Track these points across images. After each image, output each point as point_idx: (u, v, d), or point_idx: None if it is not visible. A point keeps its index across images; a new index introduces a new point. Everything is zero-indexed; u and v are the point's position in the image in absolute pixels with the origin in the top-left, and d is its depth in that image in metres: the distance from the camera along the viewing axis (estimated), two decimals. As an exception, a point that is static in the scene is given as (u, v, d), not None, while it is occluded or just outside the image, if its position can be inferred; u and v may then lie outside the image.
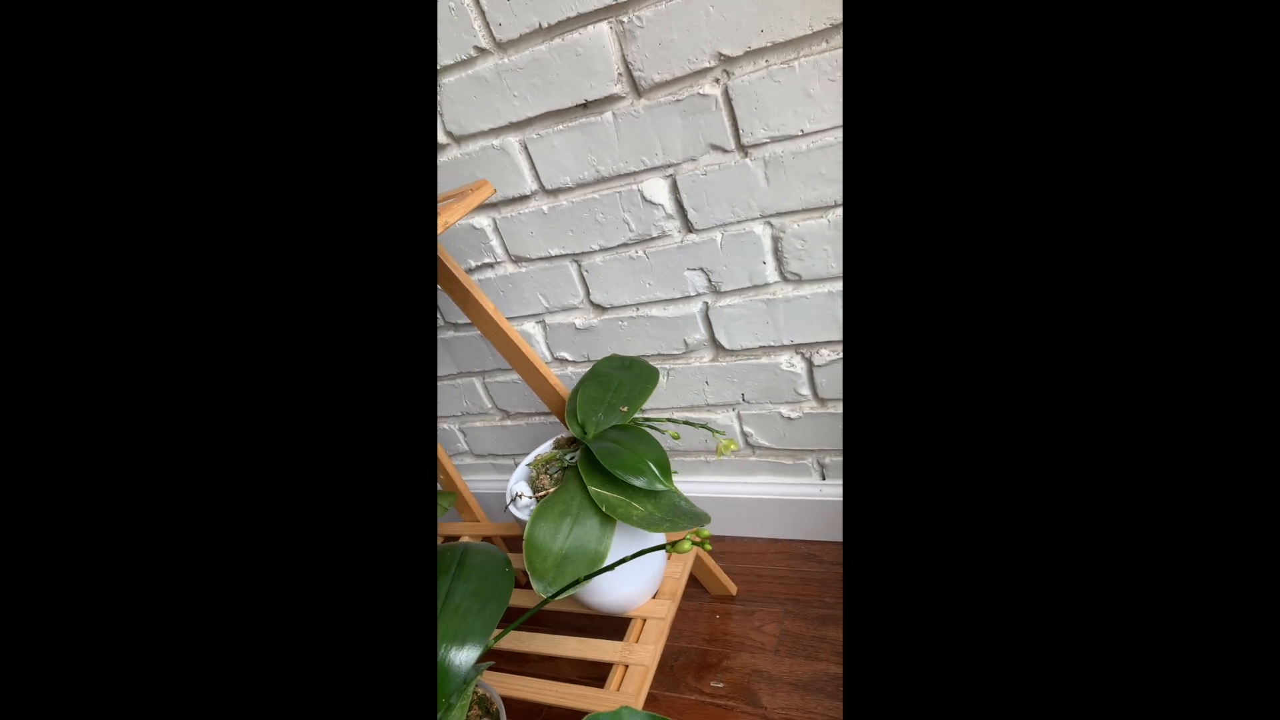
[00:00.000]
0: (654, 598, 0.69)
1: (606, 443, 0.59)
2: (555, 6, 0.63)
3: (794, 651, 0.75)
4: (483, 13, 0.66)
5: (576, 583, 0.50)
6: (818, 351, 0.73)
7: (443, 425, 1.06)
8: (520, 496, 0.63)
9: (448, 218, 0.55)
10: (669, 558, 0.72)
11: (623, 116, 0.67)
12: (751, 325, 0.74)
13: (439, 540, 0.93)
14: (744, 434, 0.84)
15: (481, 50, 0.68)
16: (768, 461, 0.85)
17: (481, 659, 0.53)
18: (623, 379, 0.67)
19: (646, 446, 0.57)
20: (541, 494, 0.63)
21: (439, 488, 0.89)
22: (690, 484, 0.90)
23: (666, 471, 0.56)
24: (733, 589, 0.84)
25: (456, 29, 0.68)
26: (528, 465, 0.68)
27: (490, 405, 1.00)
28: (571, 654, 0.66)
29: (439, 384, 1.01)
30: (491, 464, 1.08)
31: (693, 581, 0.87)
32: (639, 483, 0.55)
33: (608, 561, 0.54)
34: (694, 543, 0.42)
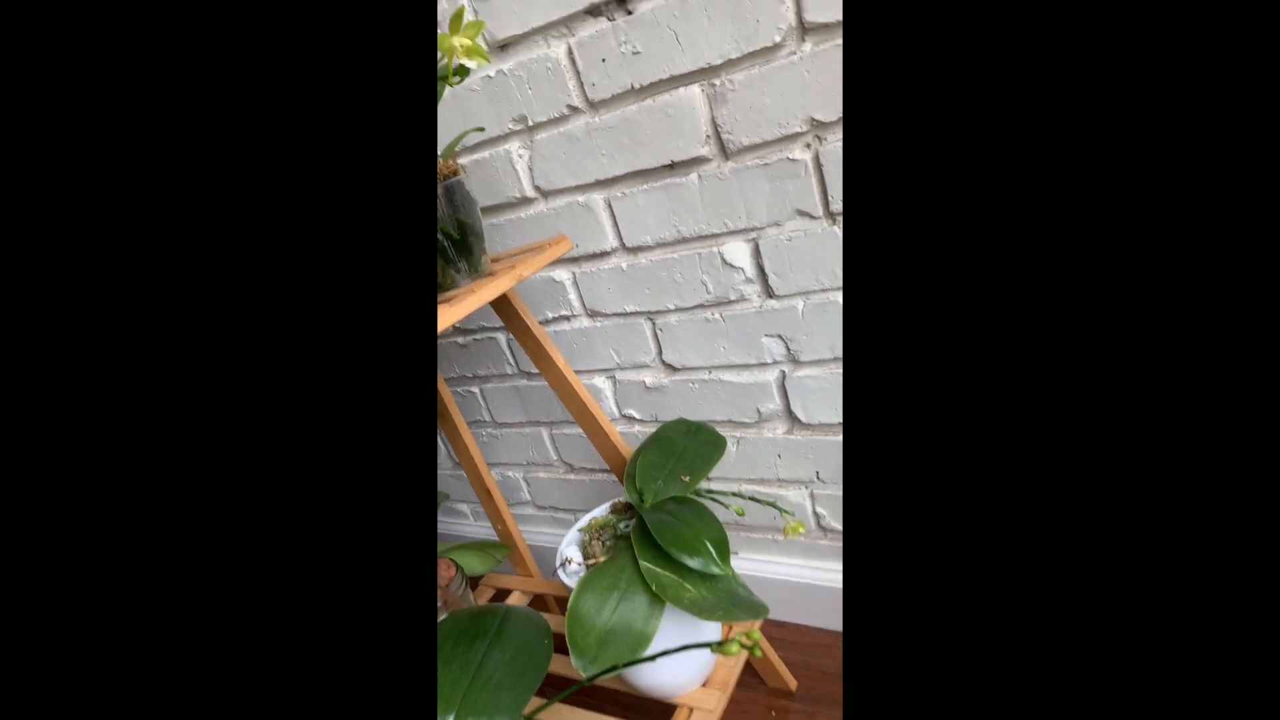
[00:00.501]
0: (704, 686, 0.64)
1: (663, 515, 0.55)
2: (649, 69, 0.63)
3: (856, 768, 0.67)
4: (578, 73, 0.67)
5: (615, 668, 0.46)
6: (902, 434, 0.67)
7: (507, 473, 1.06)
8: (569, 562, 0.61)
9: (523, 270, 0.55)
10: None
11: (708, 178, 0.66)
12: (831, 399, 0.70)
13: (491, 592, 0.91)
14: (815, 514, 0.78)
15: (574, 109, 0.70)
16: (839, 547, 0.79)
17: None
18: (687, 446, 0.64)
19: (705, 524, 0.53)
20: (592, 561, 0.60)
21: (497, 539, 0.87)
22: (752, 563, 0.85)
23: (725, 554, 0.52)
24: (792, 684, 0.77)
25: (552, 87, 0.70)
26: (580, 530, 0.66)
27: (555, 457, 0.99)
28: (609, 738, 0.61)
29: (506, 430, 1.01)
30: (552, 516, 1.06)
31: (748, 670, 0.81)
32: (694, 563, 0.51)
33: (652, 649, 0.50)
34: (743, 645, 0.37)
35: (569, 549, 0.62)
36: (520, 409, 0.97)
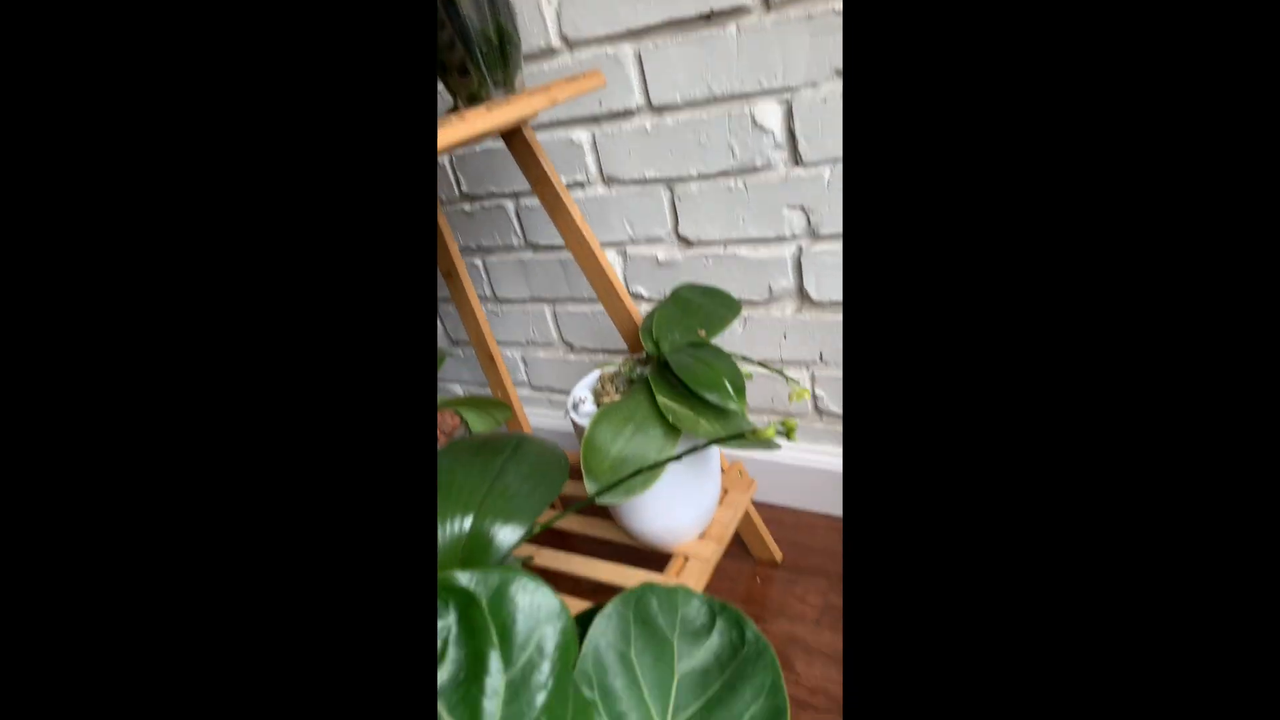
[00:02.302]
0: (700, 538, 0.66)
1: (683, 355, 0.56)
2: (696, -96, 0.60)
3: (837, 625, 0.70)
4: (619, -93, 0.64)
5: (632, 476, 0.47)
6: (913, 312, 0.68)
7: (506, 352, 1.05)
8: (583, 402, 0.61)
9: (557, 94, 0.53)
10: (721, 501, 0.69)
11: (747, 31, 0.64)
12: (845, 276, 0.70)
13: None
14: (815, 396, 0.79)
15: (611, -52, 0.66)
16: (834, 431, 0.81)
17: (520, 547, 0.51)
18: (703, 304, 0.64)
19: (723, 364, 0.54)
20: (607, 399, 0.60)
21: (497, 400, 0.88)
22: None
23: (741, 391, 0.52)
24: (778, 555, 0.80)
25: (589, -76, 0.66)
26: (593, 379, 0.66)
27: (556, 336, 0.98)
28: (604, 578, 0.63)
29: (508, 307, 1.00)
30: (548, 399, 1.06)
31: (737, 542, 0.84)
32: (711, 397, 0.52)
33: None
34: (779, 431, 0.38)
35: (582, 391, 0.63)
36: (524, 283, 0.96)
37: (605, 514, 0.73)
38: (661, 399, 0.54)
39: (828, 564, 0.78)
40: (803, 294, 0.74)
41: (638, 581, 0.62)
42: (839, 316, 0.73)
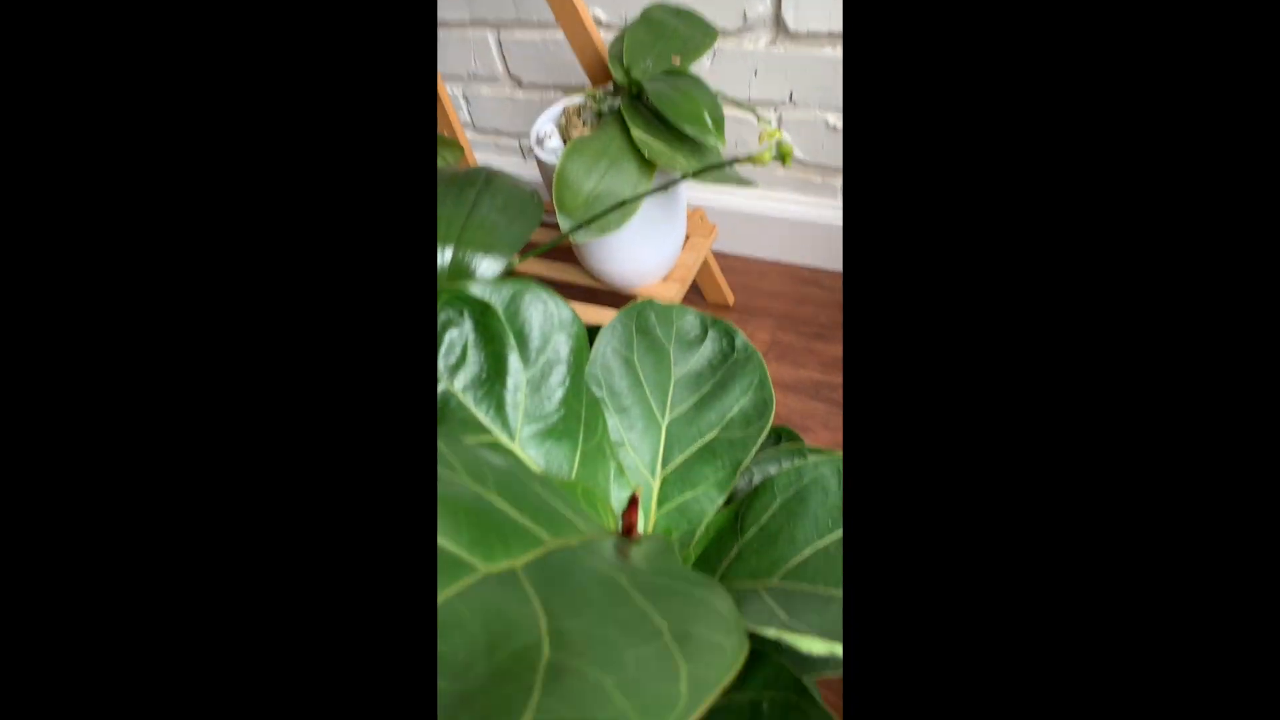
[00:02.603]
0: (664, 280, 0.68)
1: (659, 84, 0.52)
2: None
3: (781, 357, 0.78)
4: None
5: (607, 212, 0.47)
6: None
7: (447, 87, 0.96)
8: (548, 137, 0.58)
9: None
10: (684, 246, 0.70)
11: None
12: (829, 2, 0.65)
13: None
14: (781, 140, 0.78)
15: None
16: (795, 177, 0.81)
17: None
18: (678, 27, 0.59)
19: (703, 95, 0.51)
20: (578, 133, 0.57)
21: (441, 136, 0.82)
22: (707, 190, 0.86)
23: (720, 125, 0.51)
24: (730, 298, 0.84)
25: None
26: (556, 112, 0.62)
27: (502, 69, 0.90)
28: (575, 316, 0.66)
29: (445, 33, 0.89)
30: (494, 143, 1.00)
31: (691, 288, 0.87)
32: (690, 131, 0.50)
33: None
34: (776, 155, 0.38)
35: (546, 126, 0.59)
36: (465, 4, 0.85)
37: (570, 257, 0.74)
38: (636, 132, 0.52)
39: (775, 305, 0.83)
40: (779, 23, 0.69)
41: (604, 319, 0.65)
42: (816, 50, 0.69)
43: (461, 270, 0.45)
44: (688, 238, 0.72)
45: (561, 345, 0.30)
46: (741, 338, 0.34)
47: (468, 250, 0.46)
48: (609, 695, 0.15)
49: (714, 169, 0.46)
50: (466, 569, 0.18)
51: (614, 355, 0.32)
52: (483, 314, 0.29)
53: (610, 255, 0.62)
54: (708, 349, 0.34)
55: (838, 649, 0.21)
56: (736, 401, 0.32)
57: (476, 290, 0.29)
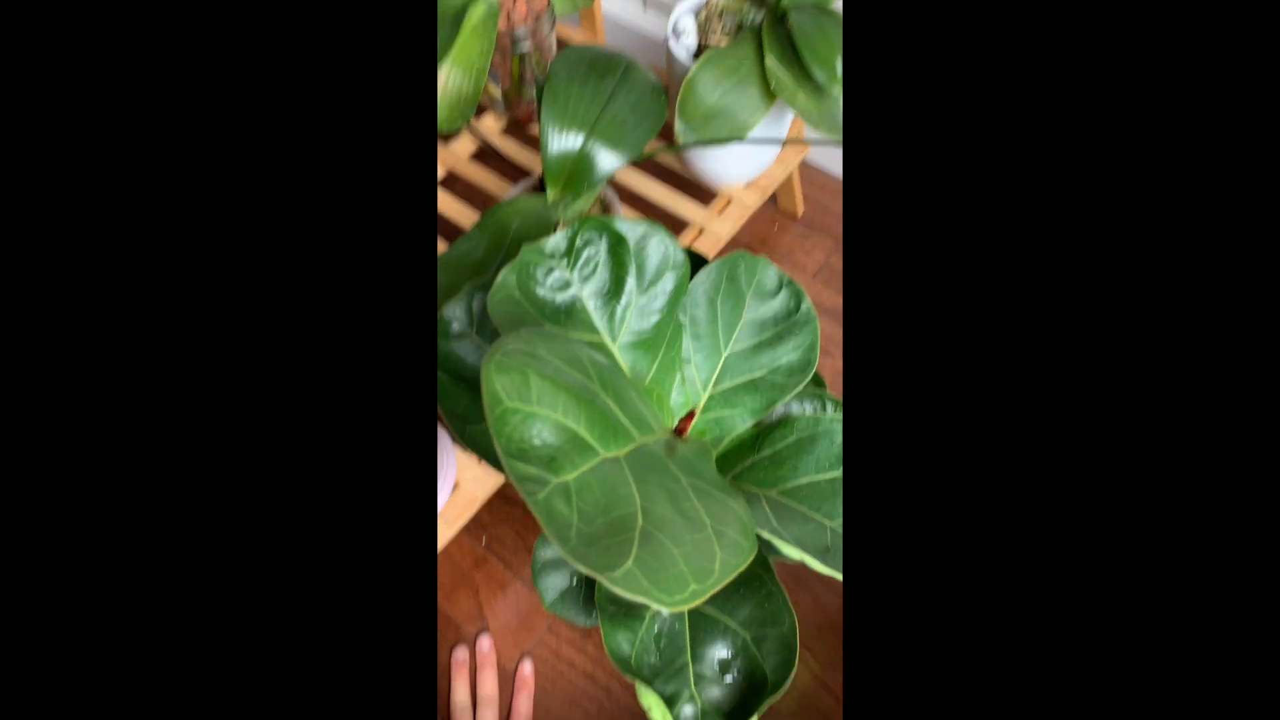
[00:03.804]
0: (746, 186, 0.73)
1: (804, 16, 0.54)
2: None
3: (828, 283, 0.84)
4: None
5: (718, 140, 0.52)
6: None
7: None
8: (685, 33, 0.60)
9: None
10: (780, 157, 0.74)
11: None
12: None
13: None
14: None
15: None
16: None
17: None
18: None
19: (839, 39, 0.54)
20: (716, 40, 0.60)
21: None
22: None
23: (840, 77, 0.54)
24: (800, 209, 0.89)
25: None
26: (697, 3, 0.63)
27: (649, -93, 0.86)
28: (659, 200, 0.72)
29: None
30: (619, -21, 0.97)
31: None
32: (817, 73, 0.53)
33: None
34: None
35: (685, 19, 0.61)
36: None
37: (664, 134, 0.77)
38: (770, 60, 0.55)
39: (840, 227, 0.88)
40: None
41: (685, 210, 0.71)
42: None
43: (586, 159, 0.51)
44: (784, 145, 0.75)
45: (669, 281, 0.38)
46: (808, 302, 0.42)
47: (597, 141, 0.51)
48: (676, 560, 0.25)
49: (797, 143, 0.50)
50: (594, 453, 0.28)
51: (703, 294, 0.40)
52: (617, 243, 0.37)
53: (707, 155, 0.67)
54: (776, 303, 0.42)
55: (808, 558, 0.32)
56: (788, 354, 0.41)
57: (619, 226, 0.36)
